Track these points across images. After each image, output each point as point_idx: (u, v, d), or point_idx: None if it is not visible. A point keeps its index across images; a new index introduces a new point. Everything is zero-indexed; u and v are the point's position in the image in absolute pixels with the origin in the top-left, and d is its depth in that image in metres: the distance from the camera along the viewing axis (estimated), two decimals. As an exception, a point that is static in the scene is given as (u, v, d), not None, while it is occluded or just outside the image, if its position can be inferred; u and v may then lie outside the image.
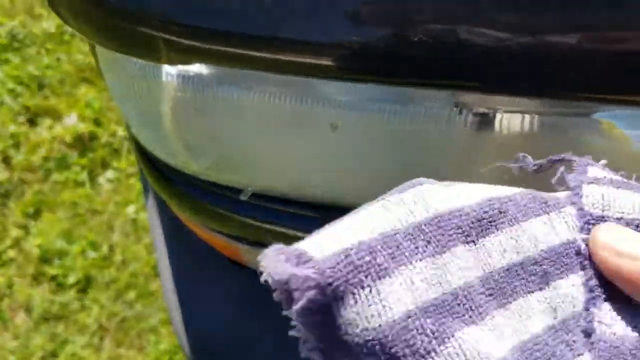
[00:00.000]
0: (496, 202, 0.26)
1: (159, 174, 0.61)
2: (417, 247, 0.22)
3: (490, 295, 0.24)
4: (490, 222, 0.26)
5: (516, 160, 0.32)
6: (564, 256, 0.27)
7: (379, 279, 0.21)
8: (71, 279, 1.55)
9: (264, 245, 0.63)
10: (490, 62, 0.35)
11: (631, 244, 0.27)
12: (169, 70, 0.46)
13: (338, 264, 0.20)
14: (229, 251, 0.69)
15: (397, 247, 0.22)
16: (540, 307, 0.26)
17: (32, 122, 1.89)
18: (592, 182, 0.28)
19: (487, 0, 0.33)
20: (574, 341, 0.25)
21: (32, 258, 1.60)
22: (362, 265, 0.21)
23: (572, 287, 0.27)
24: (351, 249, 0.21)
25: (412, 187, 0.26)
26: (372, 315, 0.20)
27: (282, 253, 0.21)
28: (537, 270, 0.26)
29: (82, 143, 1.81)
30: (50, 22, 2.14)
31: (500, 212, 0.26)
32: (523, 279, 0.26)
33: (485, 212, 0.26)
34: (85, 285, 1.55)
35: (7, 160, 1.80)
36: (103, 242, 1.62)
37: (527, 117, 0.40)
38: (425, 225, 0.23)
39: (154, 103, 0.48)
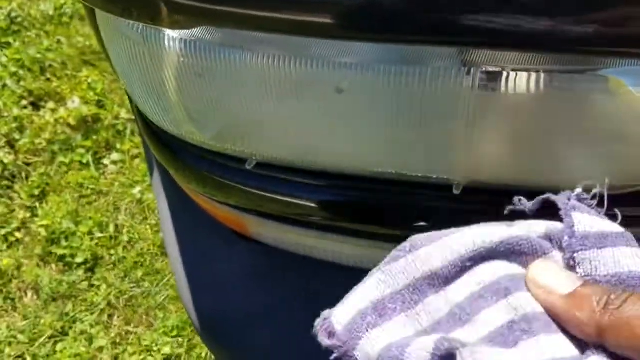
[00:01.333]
0: (471, 254, 0.34)
1: (164, 146, 0.61)
2: (396, 307, 0.34)
3: (455, 321, 0.33)
4: (458, 271, 0.34)
5: (513, 204, 0.36)
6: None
7: (369, 330, 0.34)
8: (79, 259, 1.56)
9: (270, 216, 0.63)
10: (499, 16, 0.34)
11: (549, 277, 0.30)
12: (171, 35, 0.45)
13: (349, 332, 0.34)
14: (236, 224, 0.69)
15: (383, 309, 0.34)
16: (502, 311, 0.33)
17: (36, 105, 1.88)
18: (580, 248, 0.33)
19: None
20: (530, 328, 0.31)
21: (39, 239, 1.61)
22: (360, 327, 0.34)
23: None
24: (354, 320, 0.34)
25: (404, 255, 0.36)
26: (368, 352, 0.33)
27: (321, 327, 0.34)
28: (498, 287, 0.33)
29: (86, 125, 1.81)
30: (48, 4, 2.13)
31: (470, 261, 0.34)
32: (483, 298, 0.33)
33: (454, 266, 0.34)
34: (92, 264, 1.56)
35: (11, 144, 1.80)
36: (109, 223, 1.63)
37: (535, 75, 0.40)
38: (404, 290, 0.35)
39: (157, 70, 0.48)
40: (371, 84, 0.43)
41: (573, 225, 0.33)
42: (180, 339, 1.43)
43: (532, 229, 0.34)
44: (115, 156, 1.76)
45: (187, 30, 0.45)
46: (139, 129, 0.97)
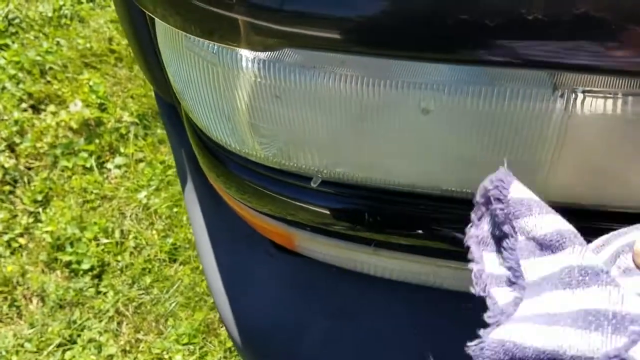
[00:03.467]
0: None
1: (216, 160, 0.60)
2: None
3: None
4: None
5: None
6: None
7: None
8: (85, 265, 1.54)
9: (322, 231, 0.62)
10: (595, 42, 0.35)
11: None
12: (248, 56, 0.45)
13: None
14: (280, 236, 0.69)
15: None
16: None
17: (36, 108, 1.86)
18: None
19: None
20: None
21: (43, 245, 1.59)
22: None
23: None
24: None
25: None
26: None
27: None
28: None
29: (89, 129, 1.79)
30: (46, 6, 2.10)
31: None
32: None
33: None
34: (99, 271, 1.54)
35: (12, 148, 1.77)
36: (115, 228, 1.61)
37: (625, 99, 0.40)
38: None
39: (230, 90, 0.47)
40: (458, 105, 0.42)
41: None
42: (191, 347, 1.42)
43: None
44: (119, 160, 1.74)
45: (266, 52, 0.44)
46: (167, 135, 0.95)
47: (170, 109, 0.82)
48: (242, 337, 0.74)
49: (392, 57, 0.40)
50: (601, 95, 0.40)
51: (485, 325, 0.36)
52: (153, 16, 0.45)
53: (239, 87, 0.47)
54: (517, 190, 0.37)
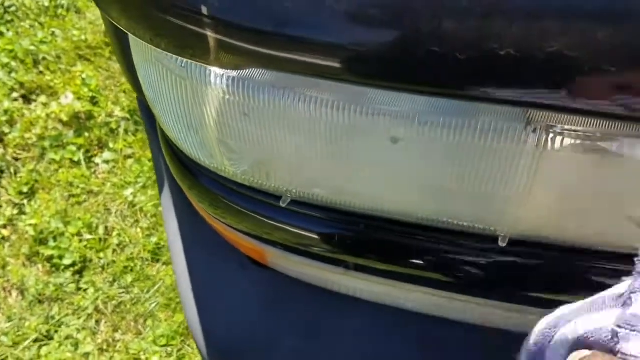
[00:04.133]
0: None
1: (183, 166, 0.59)
2: None
3: None
4: None
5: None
6: None
7: None
8: (67, 261, 1.52)
9: (293, 250, 0.61)
10: (577, 81, 0.33)
11: None
12: (218, 72, 0.44)
13: None
14: (252, 251, 0.68)
15: None
16: None
17: (27, 98, 1.84)
18: None
19: (581, 18, 0.32)
20: None
21: (26, 238, 1.57)
22: None
23: None
24: None
25: None
26: None
27: None
28: None
29: (79, 122, 1.77)
30: (44, -5, 2.08)
31: None
32: None
33: None
34: (81, 267, 1.53)
35: (0, 137, 1.76)
36: (99, 224, 1.60)
37: (597, 138, 0.39)
38: None
39: (198, 105, 0.46)
40: (428, 135, 0.41)
41: None
42: (169, 349, 1.40)
43: None
44: (107, 155, 1.72)
45: (236, 70, 0.43)
46: (147, 138, 0.94)
47: (150, 114, 0.81)
48: (210, 352, 0.72)
49: (360, 85, 0.39)
50: (574, 133, 0.39)
51: None
52: (119, 27, 0.43)
53: (207, 103, 0.45)
54: None
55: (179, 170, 0.62)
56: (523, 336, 0.55)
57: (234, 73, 0.43)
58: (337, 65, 0.38)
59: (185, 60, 0.44)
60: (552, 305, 0.54)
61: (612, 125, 0.39)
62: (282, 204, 0.52)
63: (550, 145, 0.40)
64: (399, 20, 0.34)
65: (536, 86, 0.34)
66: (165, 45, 0.41)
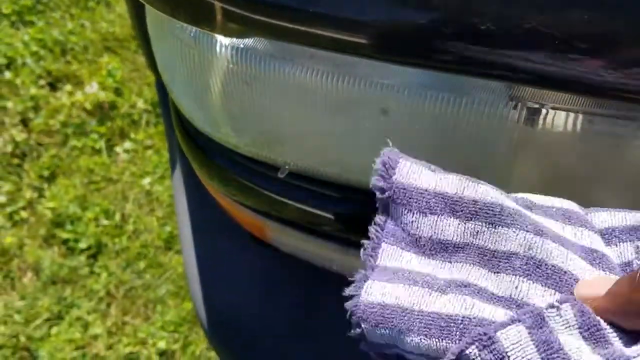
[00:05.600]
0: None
1: (194, 142, 0.62)
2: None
3: None
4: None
5: None
6: None
7: None
8: (82, 244, 1.56)
9: (291, 223, 0.63)
10: (555, 59, 0.35)
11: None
12: (223, 42, 0.46)
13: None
14: (256, 227, 0.70)
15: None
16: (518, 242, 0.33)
17: (53, 86, 1.89)
18: None
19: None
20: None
21: (44, 221, 1.62)
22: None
23: None
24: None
25: None
26: None
27: None
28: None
29: (102, 111, 1.82)
30: (76, -12, 2.14)
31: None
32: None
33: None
34: (95, 251, 1.57)
35: (25, 122, 1.81)
36: (116, 211, 1.63)
37: (576, 115, 0.41)
38: None
39: (204, 73, 0.49)
40: (416, 108, 0.43)
41: None
42: (176, 335, 1.43)
43: None
44: (128, 145, 1.77)
45: (239, 39, 0.46)
46: (163, 122, 0.97)
47: (167, 98, 0.84)
48: (211, 325, 0.75)
49: (352, 55, 0.41)
50: (555, 110, 0.41)
51: None
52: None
53: (213, 72, 0.48)
54: (403, 174, 0.35)
55: (190, 147, 0.64)
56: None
57: (237, 42, 0.46)
58: (330, 35, 0.40)
59: (194, 30, 0.47)
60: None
61: (591, 103, 0.40)
62: (280, 175, 0.54)
63: (531, 122, 0.41)
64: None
65: (514, 60, 0.36)
66: (177, 14, 0.44)
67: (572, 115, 0.41)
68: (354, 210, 0.54)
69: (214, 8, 0.43)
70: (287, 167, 0.54)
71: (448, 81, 0.42)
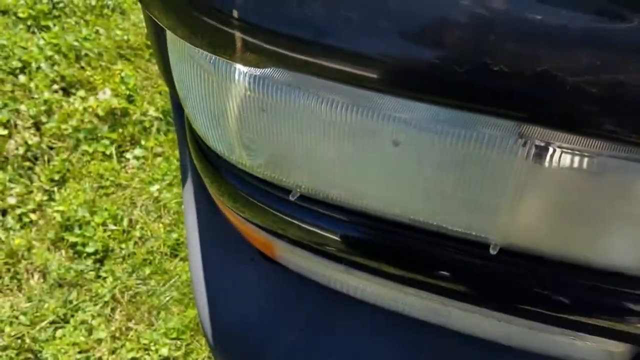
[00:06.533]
0: None
1: (206, 159, 0.63)
2: None
3: None
4: None
5: None
6: None
7: None
8: (89, 249, 1.58)
9: (299, 243, 0.65)
10: (569, 102, 0.37)
11: None
12: (241, 70, 0.48)
13: None
14: (265, 245, 0.72)
15: None
16: None
17: (66, 91, 1.92)
18: None
19: (569, 40, 0.35)
20: None
21: (53, 224, 1.64)
22: None
23: None
24: None
25: None
26: None
27: None
28: None
29: (114, 118, 1.84)
30: (92, -6, 2.17)
31: None
32: None
33: None
34: (102, 256, 1.58)
35: (38, 126, 1.83)
36: (124, 217, 1.65)
37: (583, 156, 0.42)
38: None
39: (222, 98, 0.50)
40: (427, 142, 0.45)
41: None
42: (178, 342, 1.44)
43: None
44: (138, 152, 1.79)
45: (258, 68, 0.47)
46: (176, 133, 0.99)
47: (180, 111, 0.86)
48: (215, 337, 0.76)
49: (366, 88, 0.43)
50: (563, 150, 0.42)
51: None
52: (159, 24, 0.48)
53: (230, 97, 0.50)
54: None
55: (203, 164, 0.66)
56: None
57: (255, 71, 0.47)
58: (345, 68, 0.42)
59: (213, 57, 0.49)
60: (542, 318, 0.57)
61: (598, 144, 0.42)
62: (292, 198, 0.55)
63: (539, 159, 0.43)
64: (403, 31, 0.38)
65: (525, 101, 0.37)
66: (198, 42, 0.46)
67: (578, 155, 0.42)
68: (361, 233, 0.56)
69: (234, 38, 0.45)
70: (298, 190, 0.55)
71: (459, 117, 0.44)
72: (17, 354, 1.44)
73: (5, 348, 1.44)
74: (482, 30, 0.37)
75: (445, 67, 0.38)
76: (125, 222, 1.65)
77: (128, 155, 1.78)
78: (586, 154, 0.42)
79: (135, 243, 1.62)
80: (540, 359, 0.66)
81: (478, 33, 0.37)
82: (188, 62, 0.52)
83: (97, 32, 2.05)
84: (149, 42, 2.03)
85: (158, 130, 1.84)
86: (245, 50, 0.44)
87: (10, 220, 1.64)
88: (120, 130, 1.82)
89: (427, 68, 0.38)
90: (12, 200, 1.67)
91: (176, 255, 1.59)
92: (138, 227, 1.65)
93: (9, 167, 1.74)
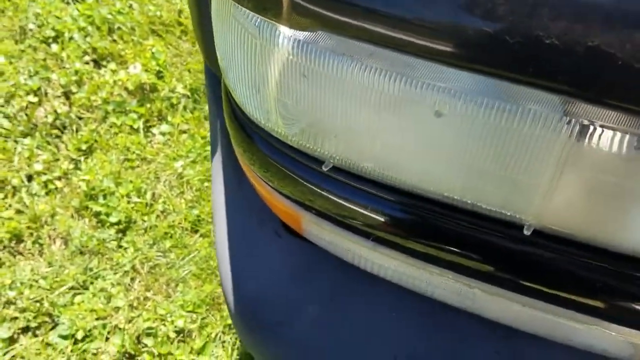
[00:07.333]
0: None
1: (241, 126, 0.63)
2: None
3: None
4: None
5: None
6: None
7: None
8: (112, 219, 1.60)
9: (326, 216, 0.65)
10: (619, 78, 0.36)
11: None
12: (286, 33, 0.48)
13: None
14: (290, 217, 0.72)
15: None
16: None
17: (97, 63, 1.93)
18: None
19: (622, 16, 0.35)
20: None
21: (77, 192, 1.66)
22: None
23: None
24: None
25: None
26: None
27: None
28: None
29: (143, 92, 1.86)
30: (127, -31, 2.18)
31: None
32: None
33: None
34: (125, 226, 1.60)
35: (68, 95, 1.85)
36: (147, 190, 1.67)
37: (626, 135, 0.41)
38: None
39: (264, 62, 0.50)
40: (471, 114, 0.44)
41: None
42: (194, 315, 1.46)
43: None
44: (164, 127, 1.80)
45: (303, 32, 0.47)
46: (208, 106, 0.99)
47: (214, 81, 0.86)
48: (236, 306, 0.76)
49: (414, 56, 0.43)
50: (606, 129, 0.42)
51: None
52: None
53: (272, 62, 0.50)
54: None
55: (237, 132, 0.66)
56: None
57: (299, 35, 0.47)
58: (394, 34, 0.42)
59: (259, 19, 0.49)
60: (568, 303, 0.56)
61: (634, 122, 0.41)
62: (324, 169, 0.55)
63: (583, 138, 0.42)
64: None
65: (574, 76, 0.37)
66: (245, 2, 0.46)
67: (619, 134, 0.42)
68: (391, 209, 0.56)
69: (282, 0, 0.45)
70: (331, 161, 0.55)
71: (505, 90, 0.43)
72: (35, 317, 1.46)
73: (23, 310, 1.46)
74: (537, 1, 0.36)
75: (497, 36, 0.38)
76: (148, 196, 1.66)
77: (154, 130, 1.80)
78: (630, 133, 0.41)
79: (158, 216, 1.63)
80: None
81: (532, 4, 0.36)
82: (232, 26, 0.53)
83: (130, 6, 2.06)
84: (180, 19, 2.04)
85: (185, 108, 1.85)
86: (291, 11, 0.44)
87: (35, 186, 1.67)
88: (148, 105, 1.83)
89: (478, 36, 0.38)
90: (38, 167, 1.70)
91: (197, 231, 1.61)
92: (161, 201, 1.66)
93: (37, 134, 1.76)
